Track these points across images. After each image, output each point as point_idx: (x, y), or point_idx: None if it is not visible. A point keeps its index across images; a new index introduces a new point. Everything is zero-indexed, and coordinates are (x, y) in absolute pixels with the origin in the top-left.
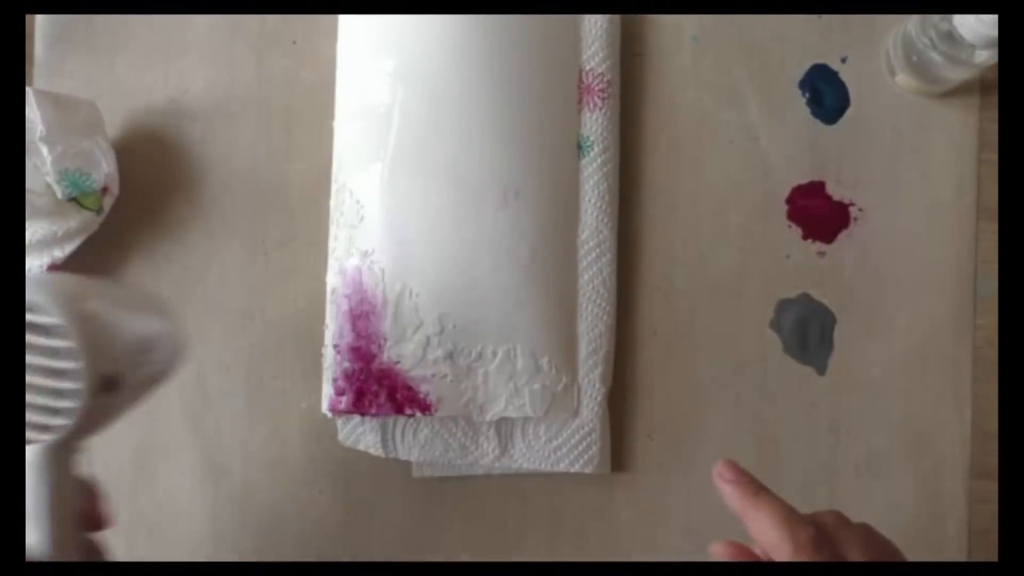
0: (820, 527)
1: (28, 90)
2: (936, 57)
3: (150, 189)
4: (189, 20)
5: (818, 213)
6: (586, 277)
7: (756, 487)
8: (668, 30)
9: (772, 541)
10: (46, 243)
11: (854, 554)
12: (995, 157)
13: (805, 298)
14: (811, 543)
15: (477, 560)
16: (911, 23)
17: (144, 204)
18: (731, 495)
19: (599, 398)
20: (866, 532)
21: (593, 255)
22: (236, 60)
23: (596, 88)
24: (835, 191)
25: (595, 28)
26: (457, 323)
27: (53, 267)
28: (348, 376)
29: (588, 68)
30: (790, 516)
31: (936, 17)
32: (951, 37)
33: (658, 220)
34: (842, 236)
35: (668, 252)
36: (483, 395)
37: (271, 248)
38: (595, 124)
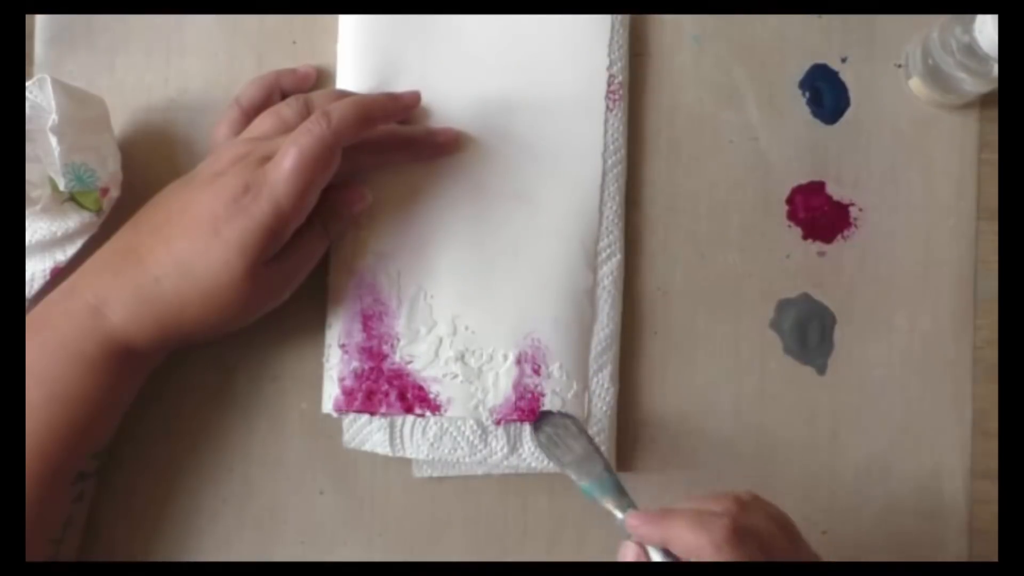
0: (730, 521)
1: (46, 77)
2: (957, 72)
3: (150, 190)
4: (189, 20)
5: (818, 213)
6: (598, 278)
7: (661, 511)
8: (668, 30)
9: (692, 545)
10: (46, 245)
11: (764, 526)
12: (995, 157)
13: (805, 298)
14: (730, 537)
15: (477, 560)
16: (933, 33)
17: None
18: (643, 530)
19: (608, 398)
20: (762, 503)
21: (604, 255)
22: (236, 60)
23: (610, 89)
24: (835, 191)
25: (610, 28)
26: (470, 325)
27: (57, 271)
28: (358, 376)
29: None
30: (699, 517)
31: (958, 30)
32: (971, 49)
33: (658, 220)
34: (842, 236)
35: (668, 252)
36: (492, 398)
37: None
38: (610, 126)
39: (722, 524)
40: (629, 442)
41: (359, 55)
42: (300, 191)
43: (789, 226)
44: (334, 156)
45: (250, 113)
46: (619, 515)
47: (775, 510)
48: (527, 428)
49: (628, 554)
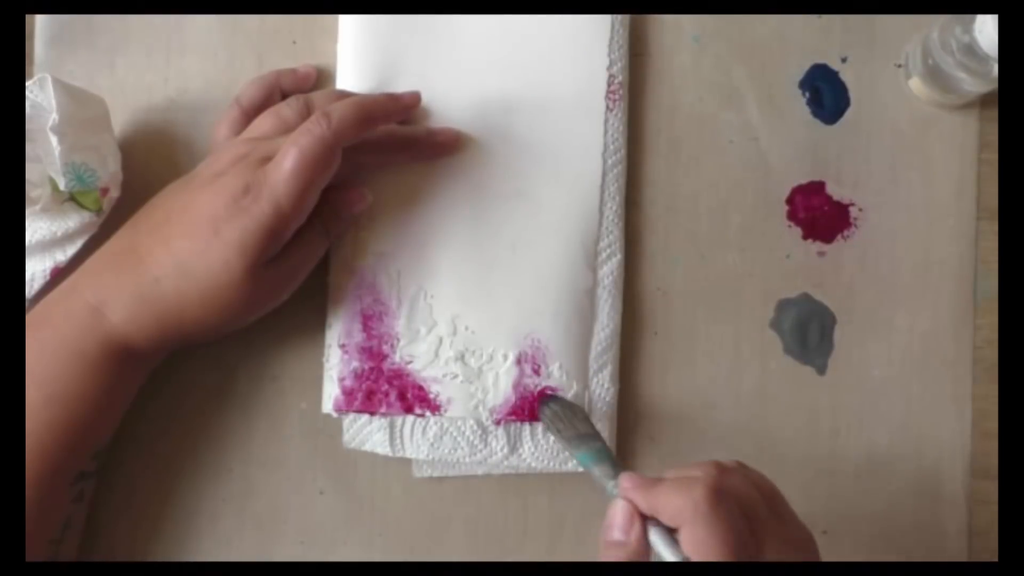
0: (709, 482)
1: (46, 77)
2: (957, 71)
3: (150, 190)
4: (189, 20)
5: (818, 213)
6: (599, 278)
7: (650, 479)
8: (668, 30)
9: (674, 509)
10: (46, 245)
11: (743, 488)
12: (995, 157)
13: (805, 298)
14: (708, 496)
15: (477, 560)
16: (933, 33)
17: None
18: (634, 495)
19: (608, 398)
20: (745, 469)
21: (604, 255)
22: (236, 60)
23: (610, 89)
24: (835, 191)
25: (610, 28)
26: (470, 325)
27: (57, 271)
28: (358, 376)
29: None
30: (680, 482)
31: (958, 29)
32: (971, 49)
33: (658, 220)
34: (842, 236)
35: (668, 252)
36: (492, 398)
37: None
38: (610, 126)
39: (700, 484)
40: (629, 442)
41: (359, 55)
42: (300, 191)
43: (789, 226)
44: (334, 156)
45: (250, 113)
46: (610, 483)
47: (758, 476)
48: (527, 428)
49: (617, 512)
